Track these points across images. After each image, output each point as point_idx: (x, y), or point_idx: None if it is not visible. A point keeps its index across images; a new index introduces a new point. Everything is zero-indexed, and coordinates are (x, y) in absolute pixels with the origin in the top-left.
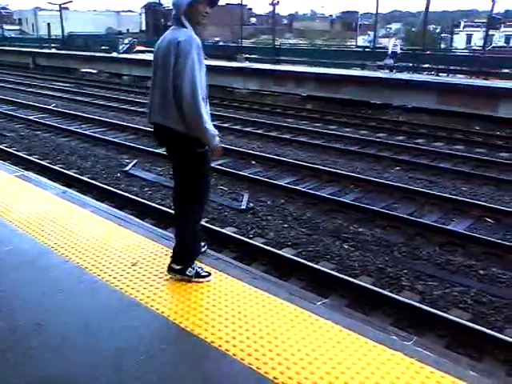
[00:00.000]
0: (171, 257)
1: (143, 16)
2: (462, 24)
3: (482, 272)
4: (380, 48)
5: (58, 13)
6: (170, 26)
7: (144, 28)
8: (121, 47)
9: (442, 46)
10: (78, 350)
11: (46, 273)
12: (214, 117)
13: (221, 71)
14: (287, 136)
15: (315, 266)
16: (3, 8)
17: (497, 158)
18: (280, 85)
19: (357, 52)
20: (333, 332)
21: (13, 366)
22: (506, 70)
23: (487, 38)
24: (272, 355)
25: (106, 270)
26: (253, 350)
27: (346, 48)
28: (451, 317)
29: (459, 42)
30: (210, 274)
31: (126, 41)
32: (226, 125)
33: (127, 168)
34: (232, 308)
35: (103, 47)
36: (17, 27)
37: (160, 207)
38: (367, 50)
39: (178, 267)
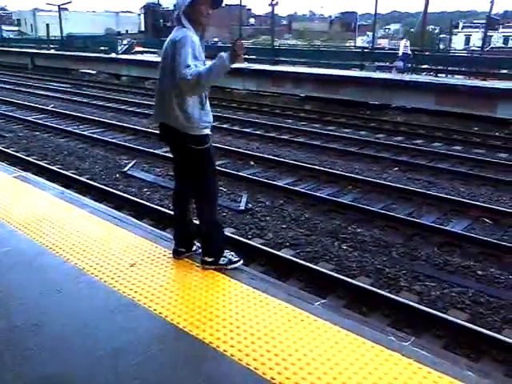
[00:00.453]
0: (201, 252)
1: (142, 17)
2: (461, 25)
3: (480, 272)
4: (379, 48)
5: (57, 13)
6: (169, 27)
7: (143, 29)
8: (120, 48)
9: (441, 46)
10: (76, 350)
11: (44, 273)
12: (213, 117)
13: None
14: (286, 137)
15: (314, 266)
16: (2, 9)
17: (495, 158)
18: (279, 85)
19: (355, 53)
20: (331, 332)
21: (11, 367)
22: (505, 71)
23: (486, 39)
24: (270, 356)
25: (104, 271)
26: (251, 351)
27: (344, 49)
28: (449, 317)
29: (458, 42)
30: (241, 259)
31: (125, 41)
32: (224, 125)
33: (126, 169)
34: (230, 309)
35: (102, 48)
36: (15, 28)
37: (158, 208)
38: (366, 50)
39: (211, 259)
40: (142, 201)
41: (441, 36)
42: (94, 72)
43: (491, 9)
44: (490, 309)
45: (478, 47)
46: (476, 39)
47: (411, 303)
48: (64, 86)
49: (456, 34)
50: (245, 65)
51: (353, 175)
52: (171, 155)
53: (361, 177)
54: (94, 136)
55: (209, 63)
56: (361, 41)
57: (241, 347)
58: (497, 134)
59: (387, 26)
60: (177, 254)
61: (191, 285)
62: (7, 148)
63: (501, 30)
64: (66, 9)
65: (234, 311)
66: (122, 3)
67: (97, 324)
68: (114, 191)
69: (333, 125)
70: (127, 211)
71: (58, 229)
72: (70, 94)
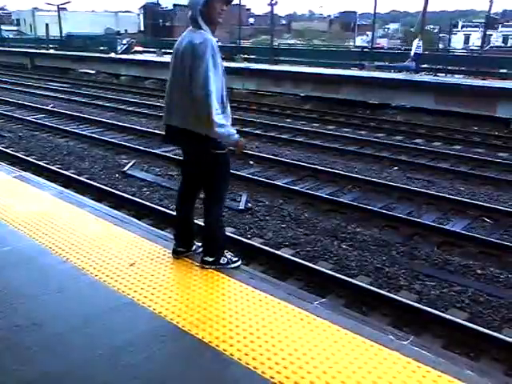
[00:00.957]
0: (202, 251)
1: (141, 16)
2: (460, 24)
3: (479, 272)
4: (378, 48)
5: (56, 13)
6: (168, 27)
7: (142, 28)
8: (119, 47)
9: (441, 46)
10: (76, 349)
11: (43, 273)
12: None
13: None
14: (285, 136)
15: (313, 265)
16: (1, 8)
17: (495, 157)
18: (278, 85)
19: (355, 52)
20: (330, 331)
21: (11, 365)
22: (504, 70)
23: (485, 38)
24: (269, 355)
25: (104, 270)
26: (250, 350)
27: (344, 48)
28: (448, 316)
29: (457, 42)
30: (240, 259)
31: (124, 41)
32: None
33: (125, 168)
34: (229, 308)
35: (101, 48)
36: (15, 28)
37: (158, 207)
38: (365, 50)
39: (212, 259)
40: (141, 200)
41: (440, 35)
42: (94, 72)
43: (490, 8)
44: (489, 308)
45: (478, 46)
46: (475, 38)
47: (411, 302)
48: (63, 85)
49: (455, 34)
50: (244, 64)
51: (352, 175)
52: (182, 157)
53: (360, 176)
54: (94, 136)
55: (231, 129)
56: (360, 40)
57: (240, 346)
58: (496, 133)
59: (386, 26)
60: (176, 254)
61: (191, 284)
62: (6, 148)
63: (500, 29)
64: (65, 9)
65: (234, 310)
66: (122, 3)
67: (96, 323)
68: (113, 191)
69: (332, 124)
70: (127, 211)
71: (57, 228)
72: (70, 94)
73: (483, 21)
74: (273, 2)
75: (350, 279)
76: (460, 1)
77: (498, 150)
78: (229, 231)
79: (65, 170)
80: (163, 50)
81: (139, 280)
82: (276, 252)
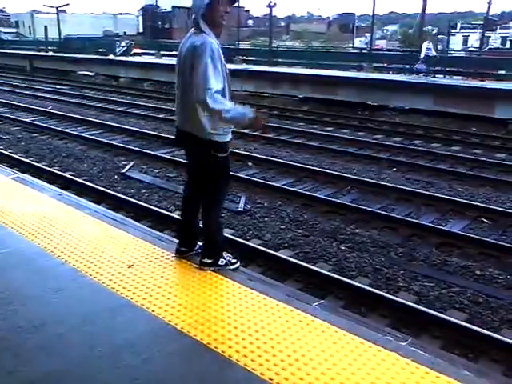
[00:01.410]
0: (201, 253)
1: (140, 18)
2: (459, 25)
3: (478, 273)
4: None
5: (55, 15)
6: (167, 29)
7: (141, 30)
8: (118, 49)
9: (439, 47)
10: (75, 350)
11: (42, 275)
12: None
13: None
14: (284, 138)
15: (312, 267)
16: (0, 11)
17: (493, 158)
18: (277, 87)
19: (354, 54)
20: (329, 333)
21: (13, 366)
22: (502, 72)
23: (483, 40)
24: (268, 356)
25: (102, 272)
26: (249, 352)
27: (342, 50)
28: (447, 317)
29: (456, 43)
30: (238, 261)
31: (123, 43)
32: None
33: (124, 170)
34: (228, 310)
35: (100, 50)
36: (14, 30)
37: (157, 209)
38: (364, 51)
39: (210, 260)
40: (140, 202)
41: (439, 37)
42: (92, 74)
43: (489, 10)
44: (488, 309)
45: (476, 48)
46: (474, 40)
47: (410, 303)
48: (62, 87)
49: (454, 35)
50: (243, 66)
51: (351, 176)
52: (187, 161)
53: (359, 177)
54: (93, 137)
55: (235, 106)
56: (359, 42)
57: (239, 348)
58: (495, 134)
59: (385, 27)
60: (179, 253)
61: (189, 286)
62: (5, 150)
63: (498, 30)
64: (63, 11)
65: (233, 312)
66: (121, 5)
67: (95, 324)
68: (112, 193)
69: (331, 126)
70: (125, 212)
71: (56, 230)
72: (68, 96)
73: (482, 22)
74: (271, 4)
75: (348, 280)
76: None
77: (497, 150)
78: (227, 233)
79: (64, 172)
80: (162, 52)
81: (138, 281)
82: (275, 253)
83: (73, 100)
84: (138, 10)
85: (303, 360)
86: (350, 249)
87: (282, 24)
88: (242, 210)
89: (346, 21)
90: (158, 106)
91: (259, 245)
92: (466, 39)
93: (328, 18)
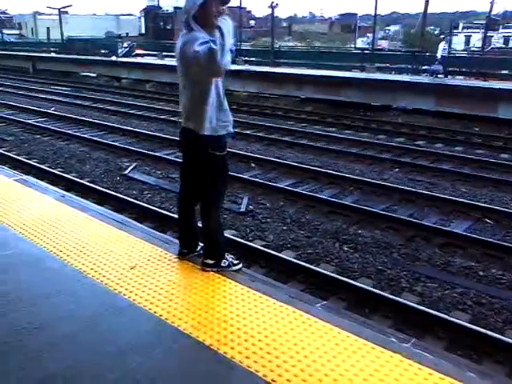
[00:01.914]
0: (203, 254)
1: (142, 19)
2: (461, 25)
3: (481, 273)
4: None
5: (58, 17)
6: (169, 29)
7: (143, 31)
8: (120, 51)
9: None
10: (80, 350)
11: (45, 276)
12: None
13: None
14: (287, 138)
15: (315, 268)
16: (3, 12)
17: (497, 159)
18: (279, 87)
19: (356, 54)
20: (331, 334)
21: (17, 367)
22: (505, 71)
23: (486, 40)
24: (270, 358)
25: (105, 274)
26: (251, 353)
27: (345, 50)
28: (451, 318)
29: (458, 43)
30: (241, 262)
31: (126, 44)
32: None
33: (127, 171)
34: (230, 311)
35: (102, 51)
36: (16, 31)
37: (159, 210)
38: (366, 52)
39: (212, 262)
40: (142, 203)
41: (441, 37)
42: (95, 75)
43: (491, 9)
44: (492, 309)
45: (479, 48)
46: (476, 40)
47: (413, 304)
48: (65, 89)
49: (456, 35)
50: (245, 67)
51: (354, 176)
52: (182, 157)
53: (362, 178)
54: (95, 139)
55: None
56: (361, 42)
57: (241, 349)
58: (498, 134)
59: (387, 28)
60: (181, 255)
61: (192, 287)
62: (8, 151)
63: (501, 30)
64: (66, 12)
65: (235, 313)
66: (123, 6)
67: (98, 325)
68: (115, 194)
69: (334, 126)
70: (128, 214)
71: (59, 232)
72: (71, 98)
73: (484, 22)
74: (273, 5)
75: (351, 281)
76: (461, 2)
77: (500, 151)
78: (230, 234)
79: (66, 174)
80: (164, 53)
81: (140, 283)
82: (277, 254)
83: (75, 101)
84: (140, 11)
85: (306, 361)
86: (353, 249)
87: (284, 24)
88: (244, 210)
89: (347, 21)
90: (160, 107)
91: (262, 246)
92: (468, 39)
93: (330, 18)
